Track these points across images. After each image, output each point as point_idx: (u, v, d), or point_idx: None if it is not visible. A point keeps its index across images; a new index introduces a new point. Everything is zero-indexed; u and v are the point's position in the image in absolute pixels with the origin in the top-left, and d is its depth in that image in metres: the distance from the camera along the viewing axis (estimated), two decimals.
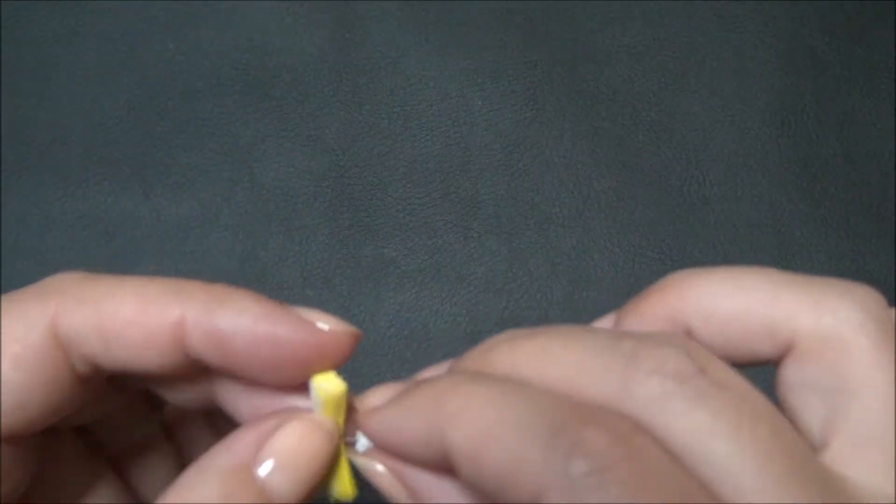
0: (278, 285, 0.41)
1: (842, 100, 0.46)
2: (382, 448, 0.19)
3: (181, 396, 0.22)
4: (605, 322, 0.23)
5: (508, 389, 0.17)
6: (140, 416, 0.25)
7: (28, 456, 0.21)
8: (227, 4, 0.45)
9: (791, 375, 0.18)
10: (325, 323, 0.20)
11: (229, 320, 0.19)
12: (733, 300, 0.19)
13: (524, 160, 0.44)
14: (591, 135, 0.44)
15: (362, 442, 0.21)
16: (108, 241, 0.41)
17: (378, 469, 0.20)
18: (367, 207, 0.43)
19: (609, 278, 0.42)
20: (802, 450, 0.16)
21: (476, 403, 0.17)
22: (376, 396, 0.21)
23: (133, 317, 0.19)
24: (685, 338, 0.18)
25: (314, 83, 0.44)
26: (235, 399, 0.21)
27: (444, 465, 0.18)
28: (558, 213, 0.43)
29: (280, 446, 0.19)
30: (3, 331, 0.19)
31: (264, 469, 0.19)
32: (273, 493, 0.18)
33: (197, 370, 0.21)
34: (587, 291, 0.42)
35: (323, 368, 0.20)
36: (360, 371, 0.40)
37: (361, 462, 0.20)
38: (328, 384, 0.20)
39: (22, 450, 0.20)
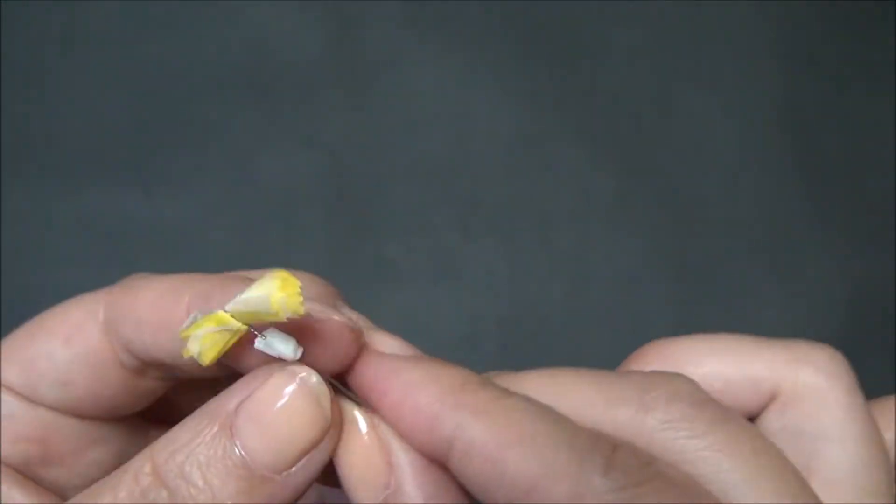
0: None
1: (842, 100, 0.46)
2: (372, 402, 0.19)
3: None
4: None
5: (537, 403, 0.17)
6: None
7: (110, 437, 0.22)
8: (227, 4, 0.45)
9: (772, 422, 0.20)
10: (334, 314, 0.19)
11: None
12: (717, 360, 0.21)
13: (524, 160, 0.44)
14: (591, 135, 0.44)
15: (278, 345, 0.19)
16: (108, 241, 0.41)
17: (361, 423, 0.19)
18: (367, 207, 0.43)
19: (609, 278, 0.42)
20: (804, 480, 0.18)
21: (506, 403, 0.17)
22: (392, 343, 0.20)
23: (153, 305, 0.20)
24: (686, 376, 0.19)
25: (314, 83, 0.44)
26: None
27: (435, 453, 0.17)
28: (558, 213, 0.43)
29: (253, 403, 0.18)
30: (64, 313, 0.21)
31: (239, 428, 0.18)
32: (248, 454, 0.18)
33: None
34: (587, 291, 0.42)
35: (325, 361, 0.19)
36: None
37: (351, 411, 0.19)
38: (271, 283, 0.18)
39: (96, 430, 0.22)
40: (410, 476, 0.18)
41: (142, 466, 0.18)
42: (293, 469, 0.18)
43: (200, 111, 0.44)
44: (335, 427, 0.19)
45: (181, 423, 0.18)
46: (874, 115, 0.45)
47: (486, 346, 0.41)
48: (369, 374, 0.19)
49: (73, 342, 0.21)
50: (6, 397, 0.22)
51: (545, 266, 0.42)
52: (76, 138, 0.43)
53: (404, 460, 0.18)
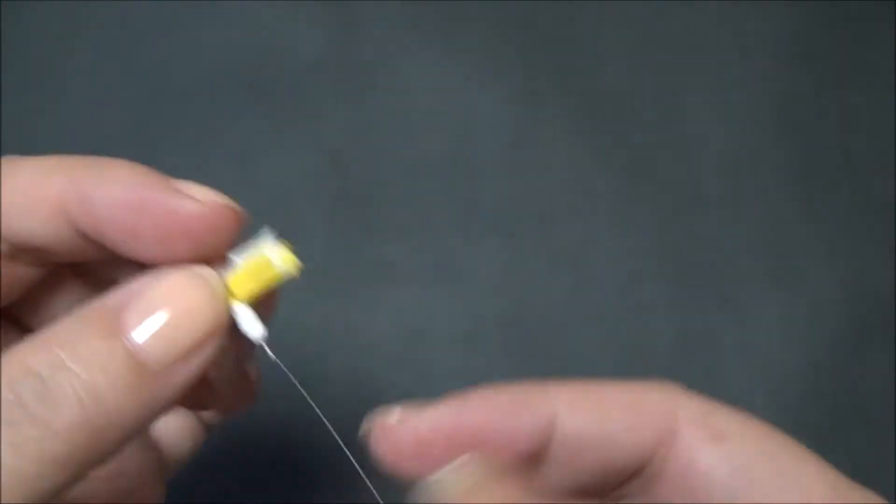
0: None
1: (842, 100, 0.46)
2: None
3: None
4: None
5: None
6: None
7: None
8: (227, 4, 0.45)
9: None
10: (201, 195, 0.20)
11: (99, 188, 0.19)
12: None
13: (524, 160, 0.44)
14: (591, 135, 0.44)
15: (249, 321, 0.19)
16: None
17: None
18: (367, 207, 0.43)
19: (609, 278, 0.42)
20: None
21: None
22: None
23: (23, 186, 0.20)
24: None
25: (314, 83, 0.44)
26: None
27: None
28: (559, 213, 0.43)
29: (145, 295, 0.18)
30: None
31: (127, 319, 0.17)
32: (137, 345, 0.17)
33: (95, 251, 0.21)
34: (588, 291, 0.42)
35: (205, 246, 0.19)
36: (359, 370, 0.40)
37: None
38: (263, 246, 0.19)
39: None
40: None
41: (8, 360, 0.17)
42: (180, 364, 0.18)
43: (200, 111, 0.44)
44: (223, 327, 0.19)
45: (55, 322, 0.18)
46: (874, 114, 0.45)
47: (486, 346, 0.41)
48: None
49: None
50: None
51: (546, 265, 0.42)
52: (76, 138, 0.43)
53: None
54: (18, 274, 0.21)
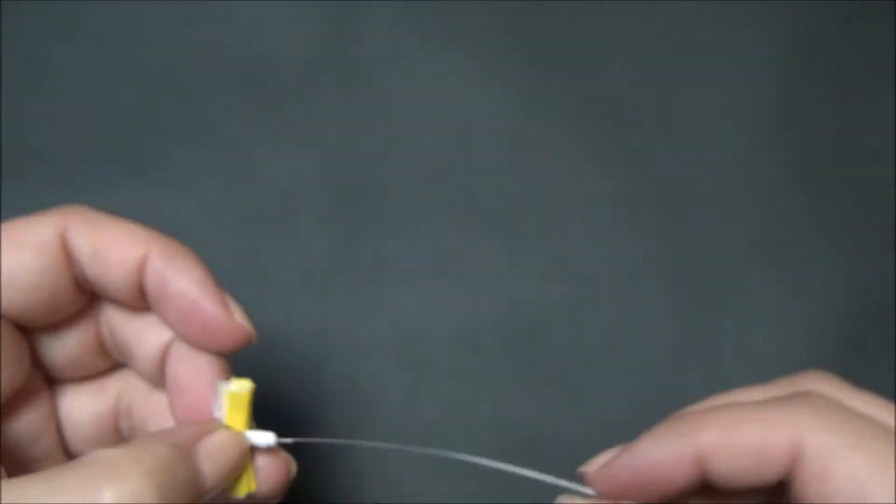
0: (278, 285, 0.41)
1: (842, 100, 0.46)
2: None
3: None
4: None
5: None
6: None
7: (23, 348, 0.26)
8: (227, 4, 0.45)
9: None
10: (238, 315, 0.26)
11: (178, 279, 0.25)
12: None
13: (524, 160, 0.44)
14: (591, 135, 0.44)
15: (259, 438, 0.26)
16: None
17: None
18: (367, 207, 0.43)
19: (609, 278, 0.42)
20: None
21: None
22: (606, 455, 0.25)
23: (116, 241, 0.25)
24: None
25: (314, 83, 0.44)
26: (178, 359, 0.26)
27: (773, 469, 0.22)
28: (559, 213, 0.43)
29: (212, 443, 0.24)
30: (28, 230, 0.25)
31: (200, 455, 0.23)
32: (203, 476, 0.23)
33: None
34: (587, 291, 0.42)
35: (213, 346, 0.25)
36: (359, 370, 0.40)
37: None
38: (234, 386, 0.25)
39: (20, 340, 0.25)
40: None
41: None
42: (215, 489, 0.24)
43: (199, 110, 0.44)
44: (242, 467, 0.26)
45: (139, 445, 0.22)
46: (874, 115, 0.45)
47: (486, 346, 0.41)
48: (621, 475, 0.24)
49: (40, 253, 0.25)
50: None
51: (545, 266, 0.42)
52: (76, 137, 0.43)
53: None
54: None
